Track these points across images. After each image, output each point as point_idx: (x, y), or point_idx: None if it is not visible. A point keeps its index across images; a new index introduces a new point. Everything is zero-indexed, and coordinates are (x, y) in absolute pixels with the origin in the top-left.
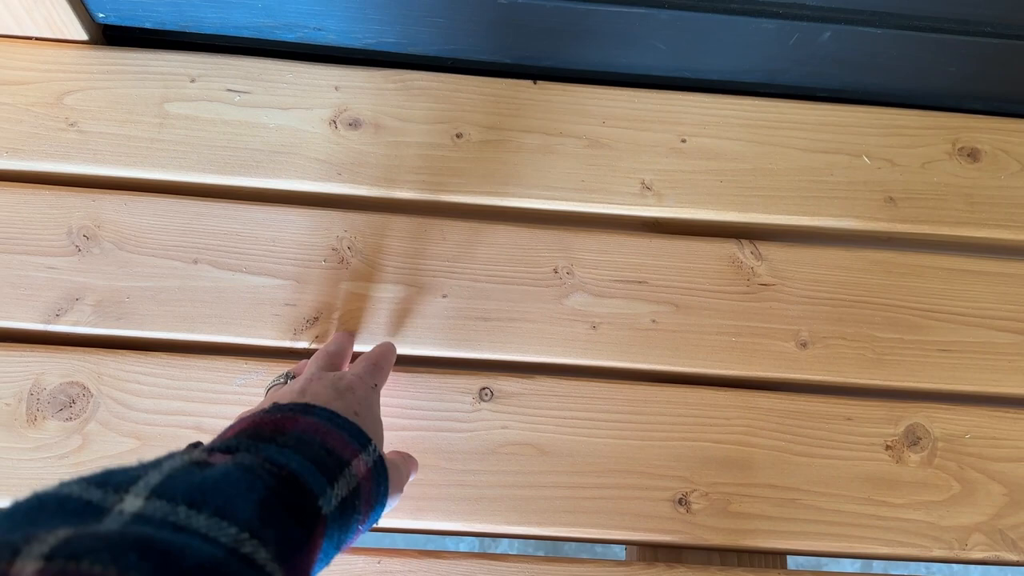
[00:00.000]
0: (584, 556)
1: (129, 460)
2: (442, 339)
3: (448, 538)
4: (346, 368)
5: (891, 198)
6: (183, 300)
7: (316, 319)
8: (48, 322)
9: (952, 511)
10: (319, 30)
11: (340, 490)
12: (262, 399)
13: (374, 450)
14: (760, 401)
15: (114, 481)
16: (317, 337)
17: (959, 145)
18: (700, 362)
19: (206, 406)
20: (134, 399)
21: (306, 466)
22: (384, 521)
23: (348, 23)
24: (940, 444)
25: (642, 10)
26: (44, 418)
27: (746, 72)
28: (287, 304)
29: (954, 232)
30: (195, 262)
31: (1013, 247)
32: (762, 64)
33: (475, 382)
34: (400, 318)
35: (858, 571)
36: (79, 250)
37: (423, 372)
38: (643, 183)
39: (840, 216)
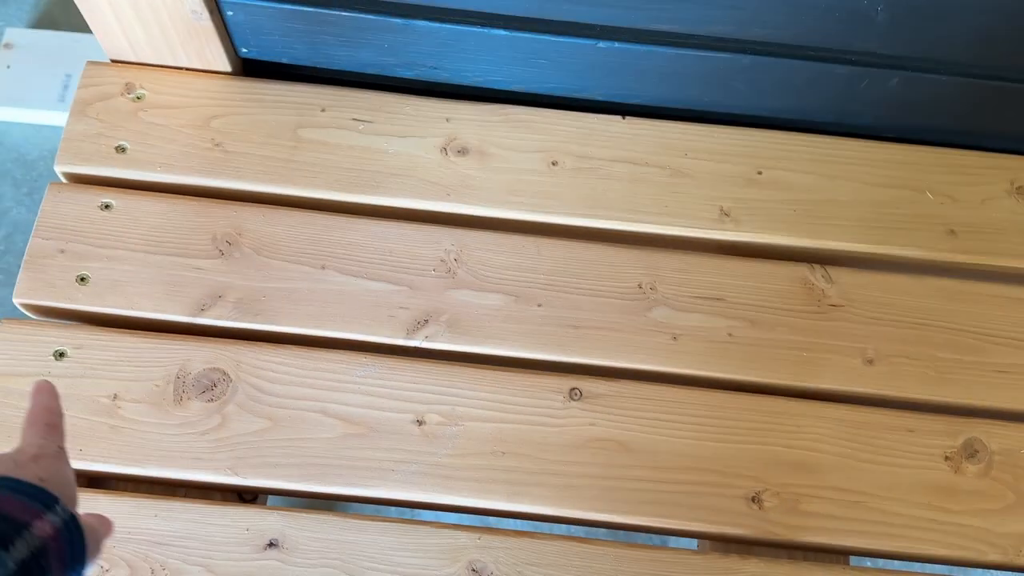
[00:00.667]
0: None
1: (263, 438)
2: (537, 343)
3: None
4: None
5: (952, 231)
6: (312, 300)
7: (426, 321)
8: (194, 315)
9: (1008, 519)
10: (435, 68)
11: (17, 552)
12: None
13: (63, 510)
14: (829, 412)
15: None
16: (427, 337)
17: (1017, 184)
18: (773, 374)
19: (331, 393)
20: (268, 384)
21: None
22: (482, 503)
23: (461, 63)
24: (997, 457)
25: (725, 55)
26: (189, 399)
27: (819, 112)
28: (401, 307)
29: (1012, 264)
30: (323, 268)
31: None
32: (834, 106)
33: (566, 383)
34: (499, 323)
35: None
36: (222, 254)
37: (519, 372)
38: (721, 210)
39: (904, 246)
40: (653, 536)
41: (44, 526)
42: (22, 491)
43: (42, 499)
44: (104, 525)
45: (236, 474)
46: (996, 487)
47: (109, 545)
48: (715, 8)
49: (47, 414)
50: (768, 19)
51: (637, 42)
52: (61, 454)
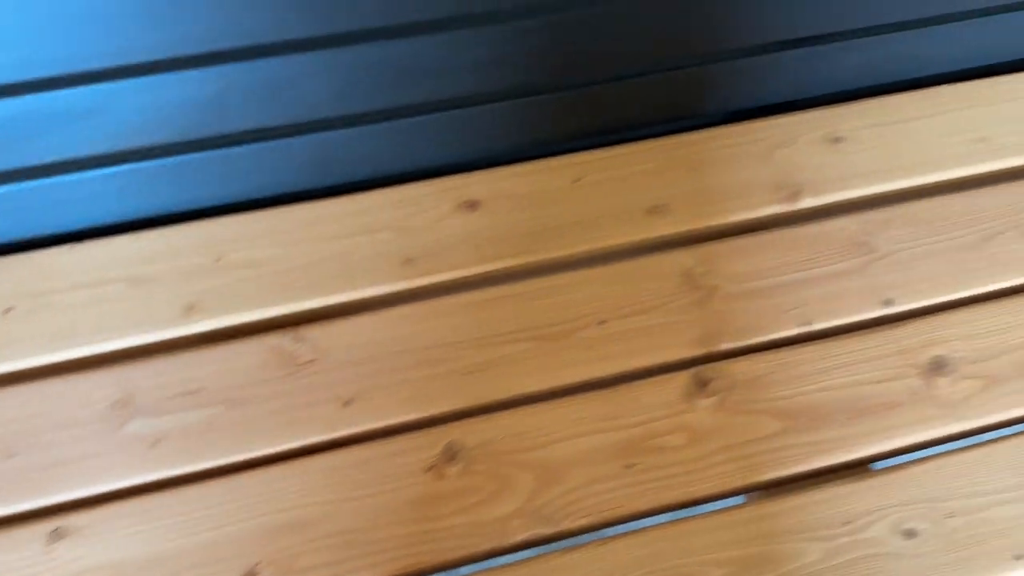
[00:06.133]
0: None
1: None
2: (15, 495)
3: None
4: None
5: (409, 259)
6: None
7: None
8: None
9: (491, 507)
10: None
11: None
12: None
13: None
14: (313, 463)
15: None
16: None
17: (460, 200)
18: (258, 446)
19: None
20: None
21: None
22: None
23: None
24: (475, 452)
25: (126, 167)
26: None
27: (263, 188)
28: None
29: (465, 272)
30: None
31: (522, 270)
32: (276, 177)
33: (44, 527)
34: None
35: None
36: None
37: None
38: (187, 305)
39: (366, 287)
40: None
41: None
42: None
43: None
44: None
45: None
46: (477, 480)
47: None
48: (77, 132)
49: None
50: (118, 128)
51: (22, 180)
52: None
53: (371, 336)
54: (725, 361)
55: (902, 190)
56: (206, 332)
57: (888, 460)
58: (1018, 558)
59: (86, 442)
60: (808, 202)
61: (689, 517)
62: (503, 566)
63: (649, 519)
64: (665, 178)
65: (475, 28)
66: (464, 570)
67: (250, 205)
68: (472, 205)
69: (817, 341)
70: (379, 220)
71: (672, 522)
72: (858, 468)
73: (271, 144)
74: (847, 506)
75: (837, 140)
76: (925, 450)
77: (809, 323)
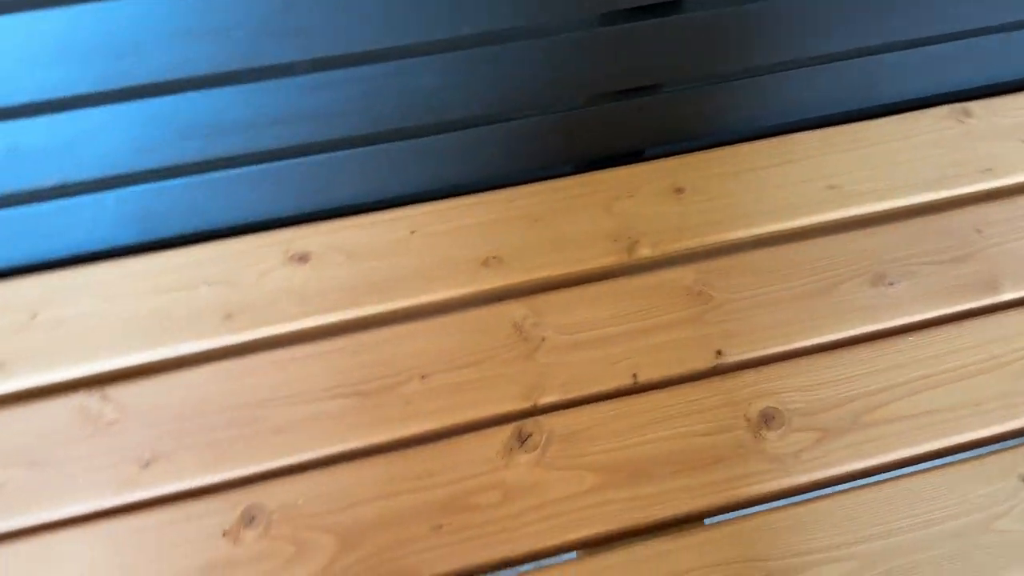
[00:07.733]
0: None
1: None
2: None
3: None
4: None
5: (229, 314)
6: None
7: None
8: None
9: (287, 573)
10: None
11: None
12: None
13: None
14: (99, 530)
15: None
16: None
17: (291, 253)
18: (47, 510)
19: None
20: None
21: None
22: None
23: None
24: (275, 515)
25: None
26: None
27: (79, 244)
28: None
29: (286, 328)
30: None
31: (347, 325)
32: (91, 234)
33: None
34: None
35: None
36: None
37: None
38: None
39: (179, 343)
40: None
41: None
42: None
43: None
44: None
45: None
46: (275, 545)
47: None
48: None
49: None
50: None
51: None
52: None
53: (181, 395)
54: (548, 415)
55: (744, 239)
56: (13, 392)
57: (717, 516)
58: None
59: None
60: (646, 252)
61: None
62: None
63: None
64: (502, 230)
65: (295, 77)
66: None
67: (67, 262)
68: (303, 258)
69: (645, 393)
70: (201, 275)
71: None
72: (687, 524)
73: (79, 199)
74: (672, 564)
75: (679, 190)
76: (755, 507)
77: (638, 375)
